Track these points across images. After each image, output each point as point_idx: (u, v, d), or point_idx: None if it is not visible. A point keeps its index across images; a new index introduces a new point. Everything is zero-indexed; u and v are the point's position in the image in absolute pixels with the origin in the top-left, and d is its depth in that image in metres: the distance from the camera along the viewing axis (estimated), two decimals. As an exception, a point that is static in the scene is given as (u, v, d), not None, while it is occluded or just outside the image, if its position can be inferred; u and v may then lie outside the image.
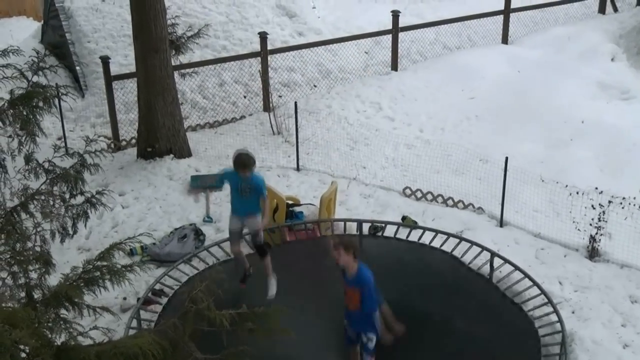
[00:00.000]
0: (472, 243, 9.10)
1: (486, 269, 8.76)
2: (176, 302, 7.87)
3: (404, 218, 10.00)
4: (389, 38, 14.64)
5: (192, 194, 10.93)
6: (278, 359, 6.91)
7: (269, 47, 13.77)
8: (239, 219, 8.16)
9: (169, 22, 11.81)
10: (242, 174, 7.85)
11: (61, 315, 5.15)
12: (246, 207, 8.05)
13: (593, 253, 9.28)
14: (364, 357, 7.21)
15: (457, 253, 9.09)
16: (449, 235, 9.34)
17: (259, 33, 13.76)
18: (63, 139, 12.53)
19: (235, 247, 8.39)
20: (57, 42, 15.07)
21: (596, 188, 9.71)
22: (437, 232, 9.40)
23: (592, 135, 11.95)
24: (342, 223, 9.78)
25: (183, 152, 12.07)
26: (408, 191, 10.85)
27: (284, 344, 4.85)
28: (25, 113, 6.65)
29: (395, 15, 14.49)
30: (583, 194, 9.74)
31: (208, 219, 10.24)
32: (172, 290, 8.60)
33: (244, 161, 7.83)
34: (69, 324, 5.10)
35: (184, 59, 13.13)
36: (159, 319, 7.90)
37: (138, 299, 8.36)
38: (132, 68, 12.59)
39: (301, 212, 9.96)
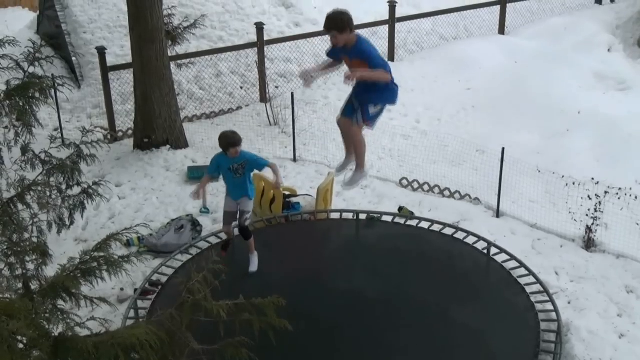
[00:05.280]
0: (469, 233, 9.12)
1: (482, 259, 8.77)
2: (170, 291, 7.88)
3: (400, 209, 10.01)
4: (385, 28, 14.63)
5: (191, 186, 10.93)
6: (274, 348, 6.94)
7: (266, 38, 13.75)
8: (233, 200, 8.21)
9: (165, 12, 11.79)
10: (231, 154, 7.86)
11: (58, 306, 5.16)
12: (240, 189, 8.08)
13: (589, 243, 9.31)
14: (358, 123, 7.01)
15: (453, 243, 9.11)
16: (445, 225, 9.35)
17: (256, 24, 13.73)
18: (59, 130, 12.52)
19: (227, 227, 8.49)
20: (53, 33, 15.03)
21: (592, 178, 9.72)
22: (433, 222, 9.42)
23: (588, 125, 11.96)
24: (339, 214, 9.79)
25: (180, 143, 12.06)
26: (405, 182, 10.86)
27: (281, 333, 4.84)
28: (21, 104, 6.64)
29: (392, 5, 14.47)
30: (579, 184, 9.75)
31: (205, 210, 10.24)
32: (168, 280, 8.60)
33: (230, 139, 7.84)
34: (67, 314, 5.11)
35: (180, 49, 13.11)
36: (153, 305, 7.90)
37: (135, 290, 8.37)
38: (129, 59, 12.56)
39: (298, 203, 9.97)
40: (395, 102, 7.38)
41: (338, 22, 6.72)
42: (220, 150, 8.06)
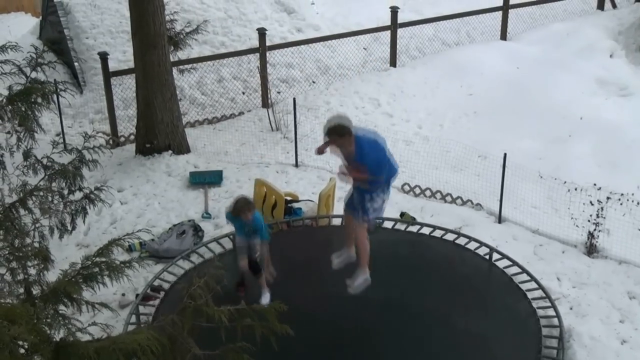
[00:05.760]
0: (471, 239, 9.12)
1: (484, 265, 8.77)
2: (173, 296, 7.88)
3: (402, 214, 10.00)
4: (387, 34, 14.64)
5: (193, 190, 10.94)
6: (275, 354, 6.93)
7: (268, 43, 13.77)
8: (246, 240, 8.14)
9: (167, 18, 11.80)
10: (244, 219, 7.83)
11: (60, 311, 5.16)
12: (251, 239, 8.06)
13: (591, 249, 9.29)
14: (361, 220, 7.23)
15: (455, 249, 9.10)
16: (447, 231, 9.35)
17: (258, 29, 13.76)
18: (61, 135, 12.53)
19: (243, 262, 8.15)
20: (55, 38, 15.06)
21: (594, 184, 9.71)
22: (435, 228, 9.42)
23: (590, 131, 11.96)
24: (341, 219, 9.78)
25: (182, 148, 12.07)
26: (407, 187, 10.85)
27: (282, 339, 4.84)
28: (23, 109, 6.65)
29: (394, 11, 14.48)
30: (581, 190, 9.74)
31: (207, 215, 10.24)
32: (170, 286, 8.60)
33: (240, 207, 7.79)
34: (68, 320, 5.11)
35: (182, 55, 13.14)
36: (157, 312, 7.90)
37: (137, 295, 8.37)
38: (131, 64, 12.58)
39: (300, 209, 9.96)
40: (392, 177, 7.56)
41: (338, 131, 7.06)
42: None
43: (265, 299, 8.01)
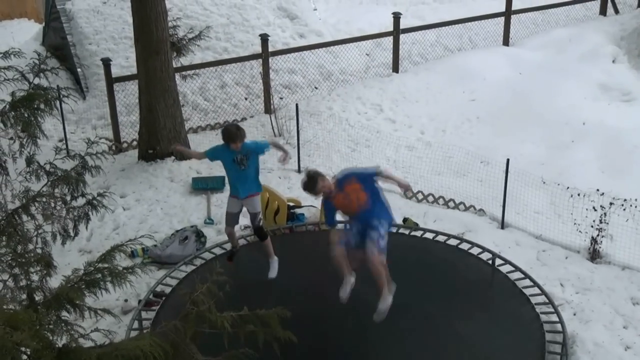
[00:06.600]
0: (474, 244, 9.11)
1: (487, 270, 8.75)
2: (176, 302, 7.88)
3: (405, 220, 10.00)
4: (390, 40, 14.65)
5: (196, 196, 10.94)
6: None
7: (270, 49, 13.79)
8: (238, 200, 8.13)
9: (170, 24, 11.83)
10: (233, 147, 7.85)
11: (62, 317, 5.15)
12: (246, 185, 8.02)
13: (594, 255, 9.28)
14: (371, 253, 7.02)
15: (458, 254, 9.09)
16: (450, 236, 9.34)
17: (260, 35, 13.77)
18: (64, 141, 12.55)
19: (229, 229, 8.43)
20: (58, 44, 15.10)
21: (597, 190, 9.70)
22: (438, 233, 9.41)
23: (593, 136, 11.95)
24: (343, 225, 9.77)
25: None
26: (409, 193, 10.84)
27: (285, 345, 4.83)
28: (26, 115, 6.65)
29: (396, 17, 14.49)
30: (584, 195, 9.73)
31: (209, 221, 10.24)
32: (172, 292, 8.60)
33: (232, 133, 7.82)
34: (70, 326, 5.11)
35: (185, 60, 13.15)
36: (157, 317, 7.90)
37: (139, 301, 8.36)
38: (133, 70, 12.60)
39: (302, 214, 9.97)
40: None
41: (312, 186, 7.24)
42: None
43: (273, 271, 8.13)
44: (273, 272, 8.24)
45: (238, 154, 7.90)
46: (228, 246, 9.07)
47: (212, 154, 8.24)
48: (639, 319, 8.21)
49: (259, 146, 8.04)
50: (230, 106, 14.07)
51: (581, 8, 17.10)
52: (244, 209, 8.25)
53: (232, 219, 8.34)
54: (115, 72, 13.18)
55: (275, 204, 9.79)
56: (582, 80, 13.79)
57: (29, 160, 6.94)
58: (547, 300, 8.10)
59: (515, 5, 15.74)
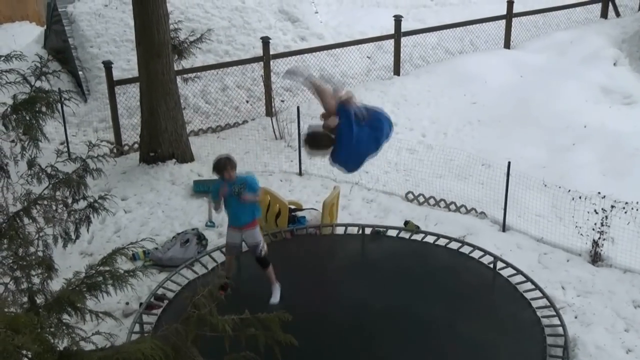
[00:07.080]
0: (475, 247, 9.11)
1: (488, 273, 8.75)
2: (177, 305, 7.88)
3: (406, 223, 9.99)
4: (391, 43, 14.65)
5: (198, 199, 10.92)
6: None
7: (272, 52, 13.79)
8: (238, 231, 8.13)
9: (171, 27, 11.83)
10: (227, 178, 7.87)
11: (64, 321, 5.16)
12: (244, 216, 8.02)
13: (596, 258, 9.27)
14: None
15: (459, 257, 9.09)
16: (451, 239, 9.34)
17: (262, 38, 13.78)
18: (66, 144, 12.55)
19: (230, 257, 8.40)
20: (59, 47, 15.10)
21: (599, 193, 9.69)
22: (439, 236, 9.41)
23: (594, 139, 11.94)
24: (344, 228, 9.78)
25: (185, 156, 12.08)
26: (410, 196, 10.84)
27: (286, 348, 4.83)
28: (28, 118, 6.68)
29: (398, 20, 14.49)
30: (586, 198, 9.72)
31: (210, 224, 10.24)
32: (174, 295, 8.60)
33: (222, 163, 7.91)
34: (72, 329, 5.11)
35: (186, 63, 13.15)
36: (159, 321, 7.90)
37: (140, 304, 8.36)
38: (135, 73, 12.60)
39: (304, 217, 9.96)
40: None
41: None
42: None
43: (276, 297, 8.06)
44: (275, 298, 8.11)
45: (234, 186, 7.92)
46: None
47: (215, 194, 8.21)
48: (640, 322, 8.21)
49: (252, 184, 8.06)
50: (232, 109, 14.07)
51: (582, 11, 17.11)
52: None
53: (233, 248, 8.31)
54: (117, 74, 13.19)
55: (277, 207, 9.79)
56: (583, 83, 13.79)
57: (31, 163, 6.96)
58: (548, 304, 8.10)
59: (516, 8, 15.75)
